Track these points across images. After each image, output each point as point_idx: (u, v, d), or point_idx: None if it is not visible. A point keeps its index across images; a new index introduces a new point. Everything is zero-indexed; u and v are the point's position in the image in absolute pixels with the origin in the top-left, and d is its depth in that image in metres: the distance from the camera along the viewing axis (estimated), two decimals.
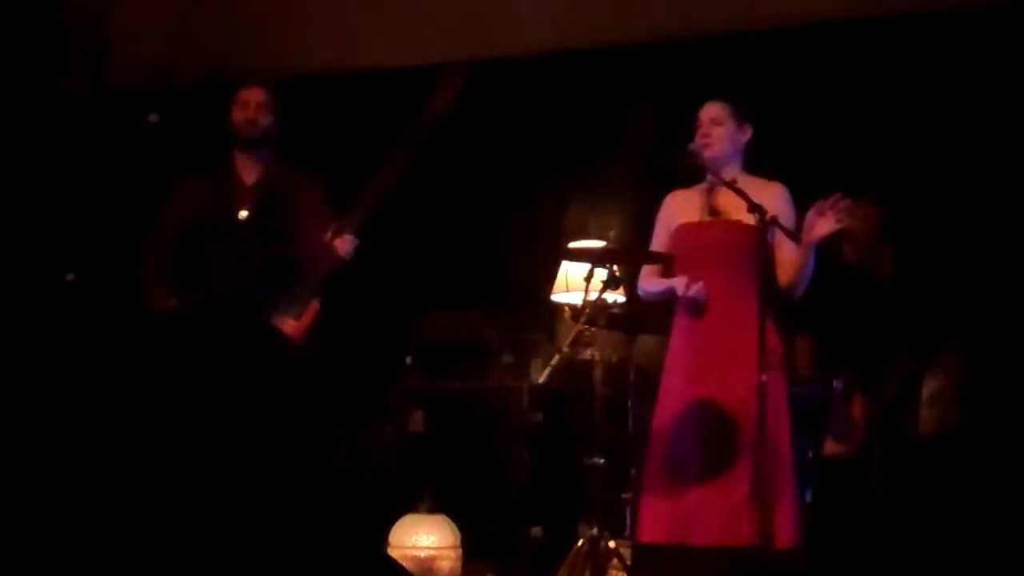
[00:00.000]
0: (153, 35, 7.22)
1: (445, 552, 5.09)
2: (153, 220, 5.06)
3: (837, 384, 5.36)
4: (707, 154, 4.55)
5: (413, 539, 5.05)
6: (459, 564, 5.15)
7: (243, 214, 4.89)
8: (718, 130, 4.58)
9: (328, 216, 4.87)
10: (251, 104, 4.93)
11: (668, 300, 4.68)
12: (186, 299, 4.87)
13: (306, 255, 4.83)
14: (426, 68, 5.14)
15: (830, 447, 5.42)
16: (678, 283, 4.54)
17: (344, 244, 4.72)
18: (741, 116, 4.61)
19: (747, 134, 4.63)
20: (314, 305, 4.75)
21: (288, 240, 4.88)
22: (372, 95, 6.48)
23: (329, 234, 4.72)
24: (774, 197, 4.48)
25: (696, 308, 4.53)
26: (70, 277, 5.66)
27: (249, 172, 4.96)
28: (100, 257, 5.75)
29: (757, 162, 4.69)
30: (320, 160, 5.57)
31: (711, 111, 4.61)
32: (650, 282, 4.73)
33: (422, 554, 5.04)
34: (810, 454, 5.21)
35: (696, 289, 4.48)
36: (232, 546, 4.40)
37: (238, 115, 4.95)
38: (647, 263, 4.78)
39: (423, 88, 4.79)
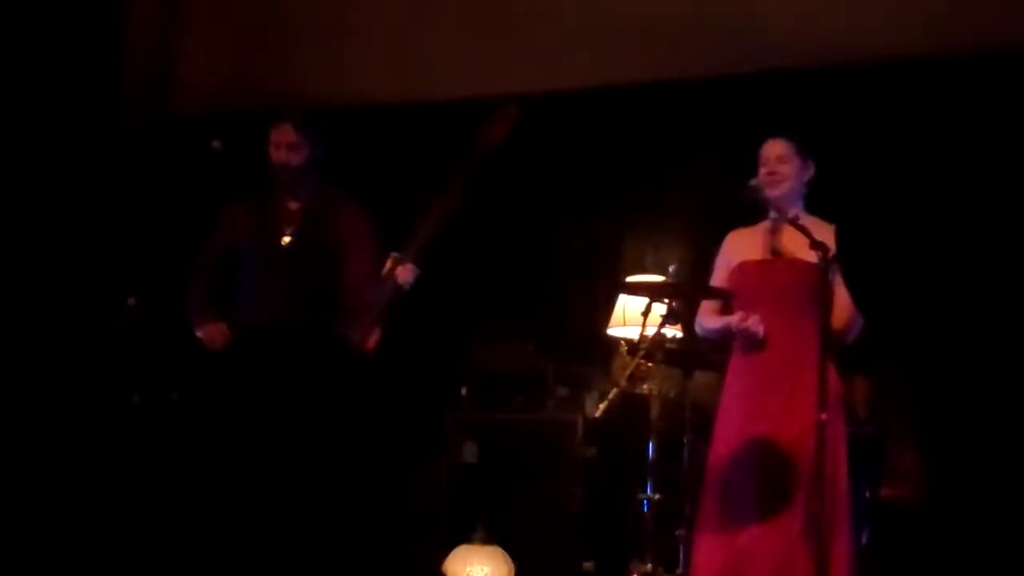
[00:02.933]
0: (216, 62, 7.30)
1: None
2: (201, 245, 5.11)
3: (895, 426, 5.34)
4: (775, 192, 4.54)
5: (467, 569, 5.06)
6: None
7: (286, 239, 4.92)
8: (785, 167, 4.57)
9: (374, 242, 4.90)
10: (281, 145, 4.94)
11: (725, 339, 4.67)
12: (232, 323, 4.91)
13: (351, 280, 4.86)
14: (487, 100, 5.16)
15: (887, 489, 5.38)
16: (734, 318, 4.54)
17: (405, 273, 4.73)
18: (805, 153, 4.60)
19: (811, 171, 4.62)
20: (376, 333, 4.77)
21: (332, 265, 4.91)
22: (431, 125, 6.51)
23: (389, 263, 4.74)
24: (833, 238, 4.46)
25: (752, 343, 4.51)
26: (131, 301, 5.71)
27: (294, 198, 4.99)
28: (162, 282, 5.79)
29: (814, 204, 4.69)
30: (377, 189, 5.60)
31: (776, 148, 4.60)
32: (708, 319, 4.72)
33: None
34: (867, 495, 5.17)
35: (753, 321, 4.47)
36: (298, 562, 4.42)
37: (272, 155, 4.97)
38: (705, 299, 4.77)
39: (482, 120, 4.80)
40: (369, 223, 5.00)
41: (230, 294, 5.03)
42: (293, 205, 4.99)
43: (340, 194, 5.05)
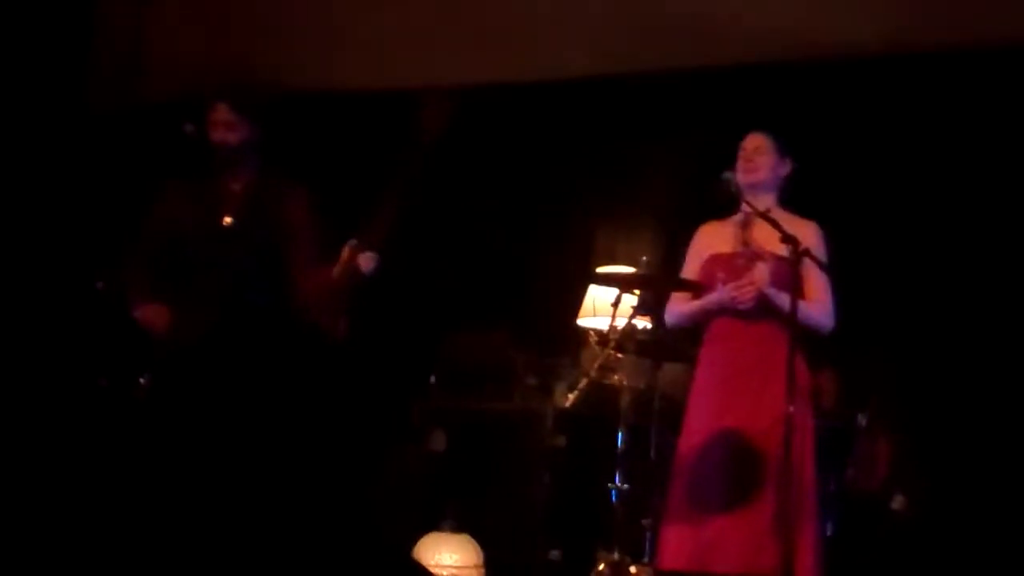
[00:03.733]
0: (188, 46, 7.26)
1: (468, 571, 5.10)
2: (137, 226, 5.07)
3: (862, 419, 5.38)
4: (750, 179, 4.60)
5: (436, 557, 5.06)
6: None
7: (228, 220, 4.90)
8: (762, 158, 4.64)
9: (317, 225, 4.88)
10: (218, 123, 4.92)
11: (697, 326, 4.70)
12: (173, 305, 4.88)
13: (297, 263, 4.84)
14: (453, 89, 5.15)
15: (853, 481, 5.43)
16: (714, 295, 4.55)
17: (367, 261, 4.71)
18: (782, 149, 4.66)
19: (787, 168, 4.69)
20: (343, 321, 4.76)
21: (274, 247, 4.88)
22: (395, 113, 6.49)
23: (347, 251, 4.71)
24: (807, 233, 4.50)
25: (747, 306, 4.51)
26: (100, 285, 5.68)
27: (235, 179, 4.96)
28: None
29: (793, 201, 4.72)
30: (337, 174, 5.58)
31: (755, 141, 4.68)
32: (681, 305, 4.72)
33: (445, 573, 5.06)
34: (832, 487, 5.22)
35: (759, 272, 4.46)
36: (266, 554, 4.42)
37: (210, 134, 4.95)
38: (676, 290, 4.79)
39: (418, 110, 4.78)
40: (311, 206, 4.97)
41: (169, 275, 4.98)
42: (235, 187, 4.94)
43: (283, 176, 5.02)
